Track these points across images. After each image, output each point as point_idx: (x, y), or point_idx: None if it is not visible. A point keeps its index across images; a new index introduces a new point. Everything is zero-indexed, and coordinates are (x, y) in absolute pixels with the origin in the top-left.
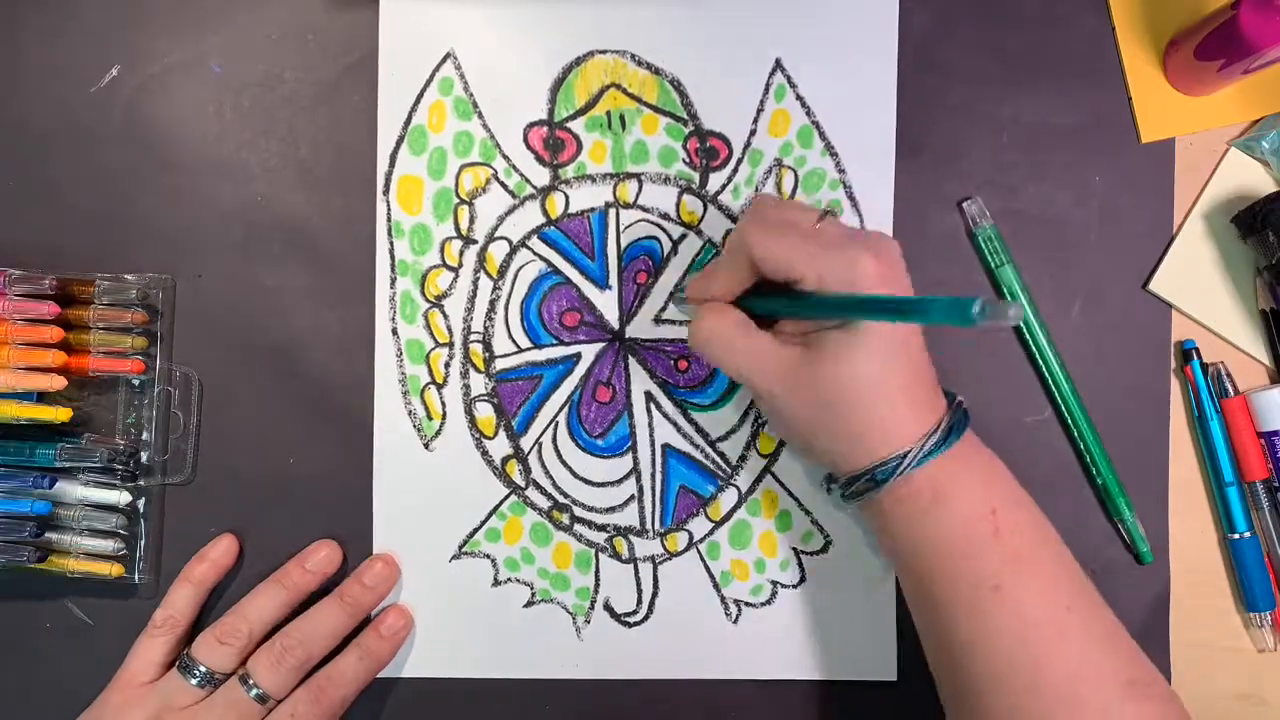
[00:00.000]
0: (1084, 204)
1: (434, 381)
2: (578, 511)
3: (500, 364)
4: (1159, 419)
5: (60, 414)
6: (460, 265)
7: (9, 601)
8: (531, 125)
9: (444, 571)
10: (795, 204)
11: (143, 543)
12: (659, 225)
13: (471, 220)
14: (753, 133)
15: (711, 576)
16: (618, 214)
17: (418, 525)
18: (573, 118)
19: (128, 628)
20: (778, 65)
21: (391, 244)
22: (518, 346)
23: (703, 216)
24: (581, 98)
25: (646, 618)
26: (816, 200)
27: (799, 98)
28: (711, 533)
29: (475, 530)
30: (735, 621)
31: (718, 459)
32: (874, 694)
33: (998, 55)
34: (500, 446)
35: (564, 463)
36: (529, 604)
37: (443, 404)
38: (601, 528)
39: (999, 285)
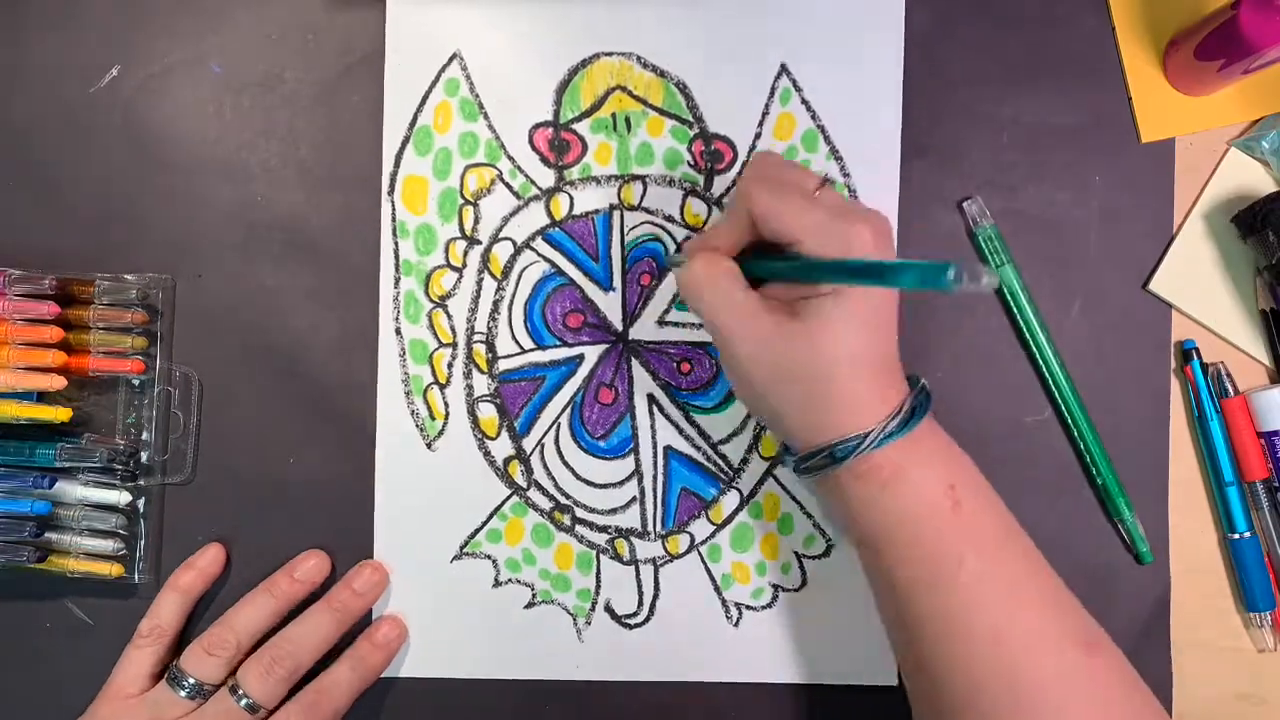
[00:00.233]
0: (1084, 204)
1: (437, 382)
2: (579, 513)
3: (503, 365)
4: (1159, 419)
5: (60, 414)
6: (464, 266)
7: (9, 601)
8: (537, 126)
9: (445, 572)
10: (797, 166)
11: (142, 543)
12: (663, 227)
13: (476, 221)
14: (758, 136)
15: (712, 579)
16: (622, 216)
17: (419, 525)
18: (578, 119)
19: (128, 628)
20: (783, 69)
21: (396, 244)
22: (521, 347)
23: (707, 219)
24: (587, 99)
25: (647, 619)
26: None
27: (804, 101)
28: (713, 535)
29: (476, 531)
30: (736, 624)
31: (720, 461)
32: (874, 698)
33: (998, 55)
34: (502, 447)
35: (566, 464)
36: (530, 605)
37: (445, 404)
38: (603, 529)
39: (999, 285)
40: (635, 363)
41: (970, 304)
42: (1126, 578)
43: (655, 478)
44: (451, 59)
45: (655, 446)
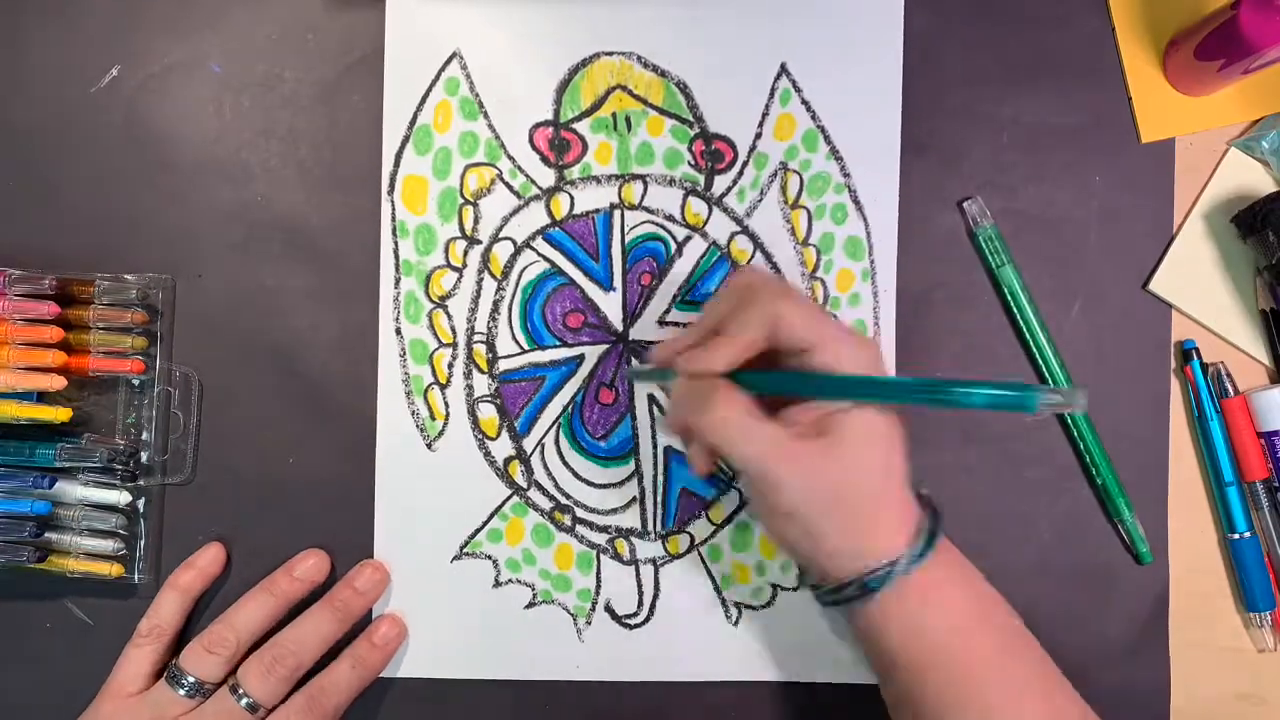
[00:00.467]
0: (1084, 204)
1: (437, 382)
2: (579, 513)
3: (503, 365)
4: (1159, 419)
5: (60, 414)
6: (464, 266)
7: (9, 601)
8: (537, 126)
9: (445, 572)
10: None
11: (142, 543)
12: (664, 227)
13: (476, 220)
14: (758, 136)
15: (712, 579)
16: (622, 215)
17: (419, 525)
18: (578, 119)
19: (128, 628)
20: (783, 69)
21: (396, 244)
22: (521, 347)
23: (707, 219)
24: (587, 99)
25: (647, 619)
26: (821, 205)
27: (804, 102)
28: (713, 535)
29: (477, 531)
30: (736, 624)
31: (719, 462)
32: (873, 696)
33: (998, 55)
34: (503, 447)
35: (566, 464)
36: (530, 605)
37: (446, 404)
38: (603, 529)
39: (999, 285)
40: (636, 363)
41: (970, 303)
42: (1126, 577)
43: (655, 478)
44: (451, 58)
45: (655, 447)
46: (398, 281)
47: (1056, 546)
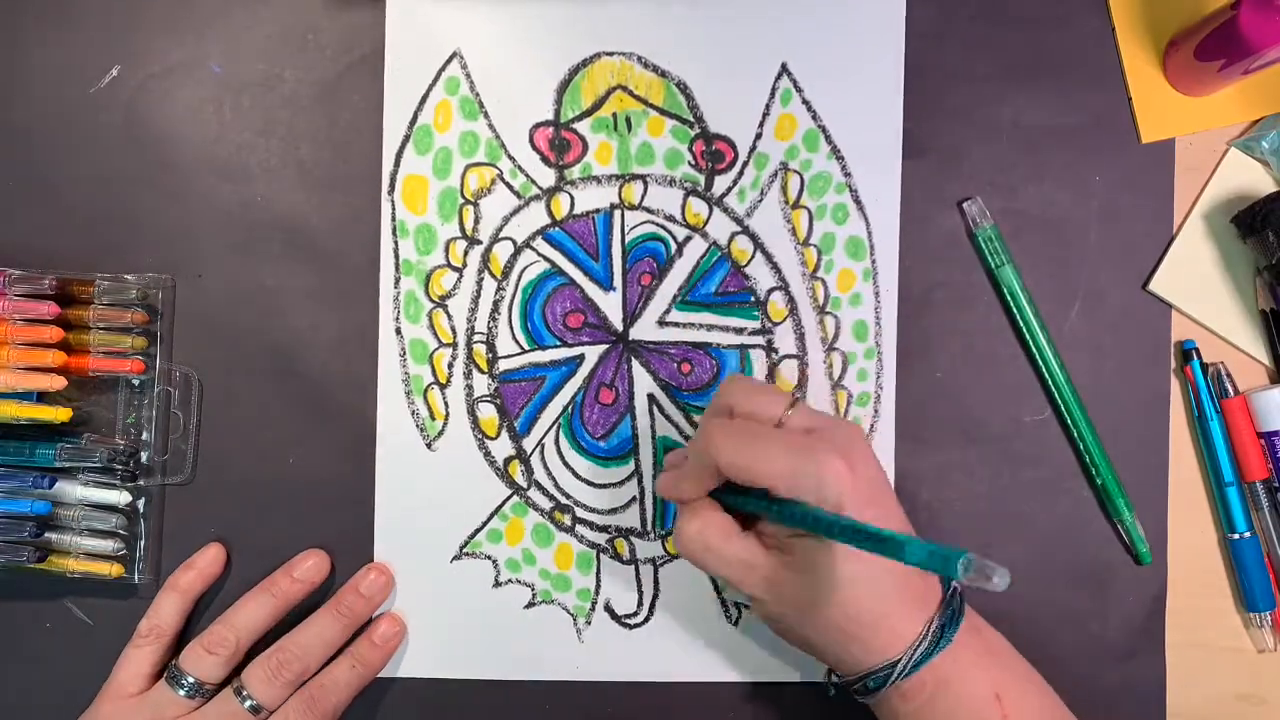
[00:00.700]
0: (1084, 204)
1: (437, 382)
2: (579, 513)
3: (503, 365)
4: (1159, 419)
5: (60, 414)
6: (464, 265)
7: (9, 601)
8: (537, 126)
9: (445, 572)
10: (763, 391)
11: (142, 543)
12: (664, 227)
13: (476, 220)
14: (759, 136)
15: (711, 579)
16: (623, 215)
17: (419, 525)
18: (579, 119)
19: (128, 628)
20: (784, 69)
21: (396, 244)
22: (521, 347)
23: (708, 219)
24: (588, 99)
25: (647, 619)
26: (822, 205)
27: (805, 101)
28: None
29: (477, 531)
30: (735, 624)
31: None
32: None
33: (998, 55)
34: (502, 447)
35: (566, 464)
36: (530, 605)
37: (445, 404)
38: (603, 529)
39: (999, 285)
40: (636, 363)
41: (970, 303)
42: (1124, 578)
43: (655, 477)
44: (452, 58)
45: (655, 447)
46: (397, 281)
47: (1055, 546)
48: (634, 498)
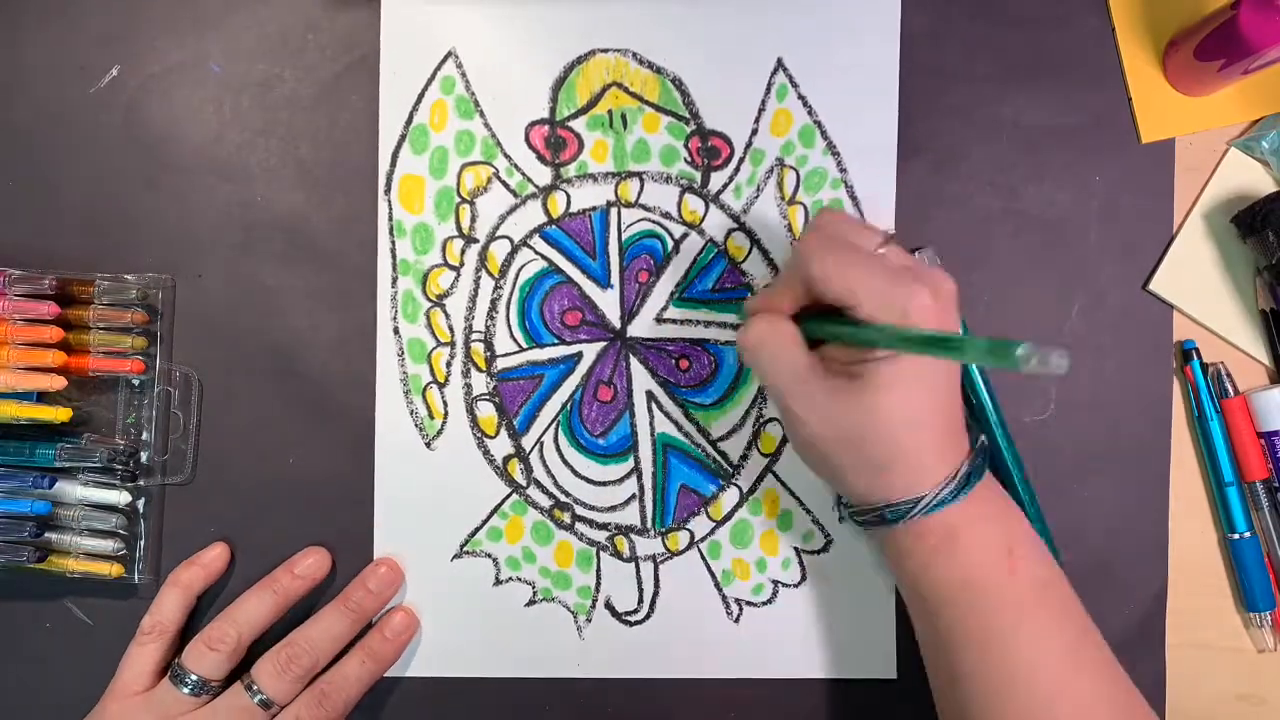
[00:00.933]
0: (1084, 204)
1: (435, 381)
2: (579, 510)
3: (501, 363)
4: (1159, 419)
5: (60, 414)
6: (462, 264)
7: (9, 601)
8: (533, 124)
9: (445, 571)
10: (859, 224)
11: (142, 543)
12: (660, 224)
13: (473, 219)
14: (754, 132)
15: (713, 575)
16: (619, 213)
17: (419, 524)
18: (574, 116)
19: (128, 628)
20: (779, 64)
21: (393, 243)
22: (519, 346)
23: (704, 216)
24: (583, 96)
25: (648, 617)
26: (818, 201)
27: (800, 97)
28: (713, 532)
29: (476, 529)
30: (736, 620)
31: (719, 458)
32: (874, 692)
33: (998, 55)
34: (501, 446)
35: (565, 462)
36: (530, 603)
37: (444, 403)
38: (603, 526)
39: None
40: (634, 360)
41: (969, 303)
42: (1125, 577)
43: (654, 475)
44: (447, 57)
45: (654, 443)
46: (395, 281)
47: (1054, 546)
48: (633, 495)
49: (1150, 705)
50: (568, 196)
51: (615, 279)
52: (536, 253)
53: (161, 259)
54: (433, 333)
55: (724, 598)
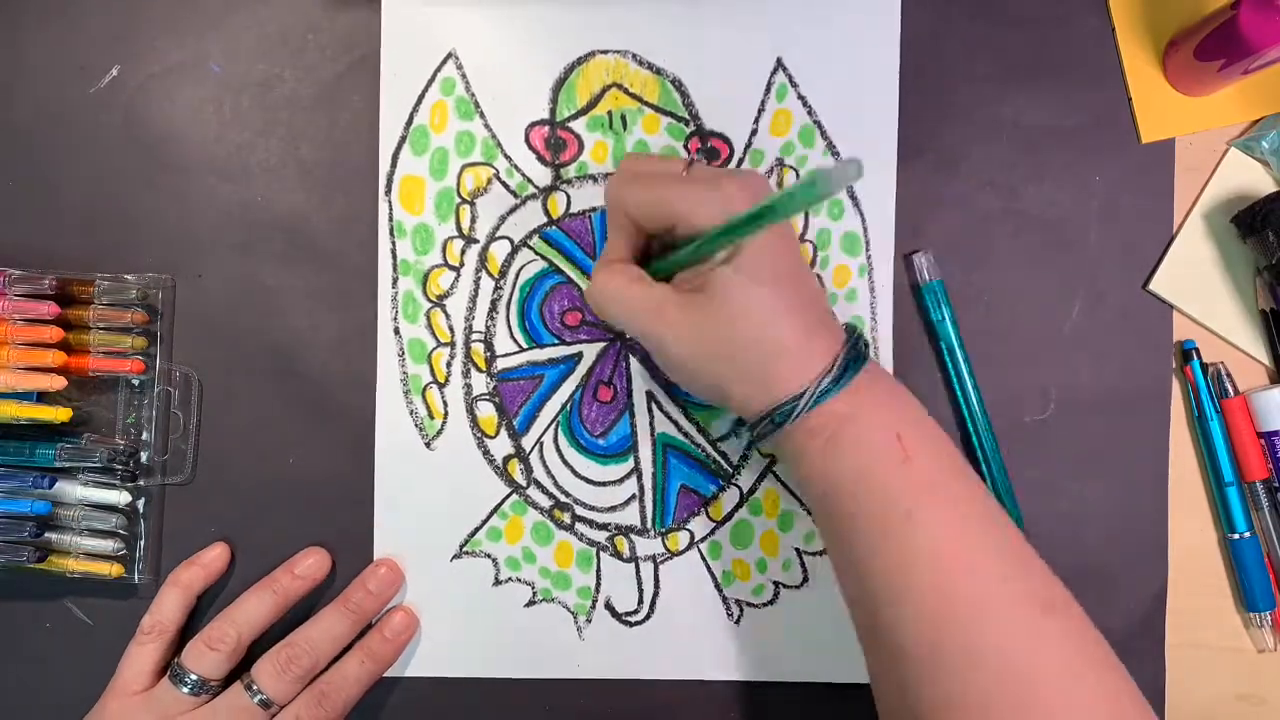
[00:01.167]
0: (1084, 204)
1: (435, 381)
2: (579, 510)
3: (501, 363)
4: (1159, 419)
5: (60, 414)
6: (462, 265)
7: (9, 601)
8: (533, 125)
9: (445, 571)
10: (660, 157)
11: (142, 543)
12: None
13: (473, 220)
14: (754, 132)
15: (713, 576)
16: None
17: (419, 524)
18: (574, 117)
19: (128, 628)
20: (779, 65)
21: (393, 244)
22: (519, 346)
23: None
24: (583, 97)
25: (648, 617)
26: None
27: (800, 97)
28: (713, 532)
29: (476, 529)
30: (737, 621)
31: (719, 459)
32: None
33: (998, 55)
34: (501, 446)
35: (565, 462)
36: (530, 603)
37: (444, 403)
38: (603, 527)
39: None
40: (634, 360)
41: (969, 303)
42: (1124, 577)
43: (654, 475)
44: (447, 58)
45: (654, 444)
46: (395, 281)
47: (1055, 546)
48: (633, 495)
49: (1150, 705)
50: (568, 197)
51: None
52: (537, 253)
53: (161, 259)
54: (433, 333)
55: (724, 598)
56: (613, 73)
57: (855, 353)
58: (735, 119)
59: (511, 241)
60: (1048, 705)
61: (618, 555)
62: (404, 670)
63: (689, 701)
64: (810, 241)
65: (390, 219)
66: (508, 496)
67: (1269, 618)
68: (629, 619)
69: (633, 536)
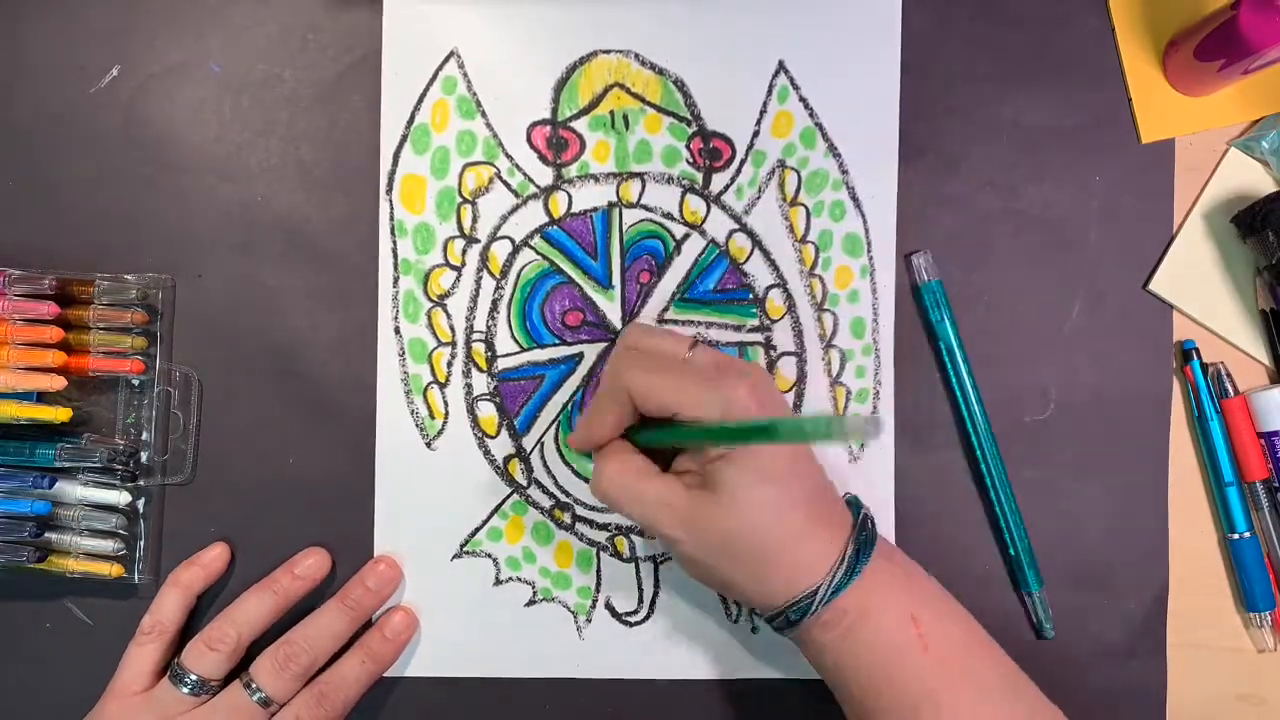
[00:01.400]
0: (1084, 204)
1: (436, 381)
2: (579, 511)
3: (502, 363)
4: (1159, 419)
5: (60, 414)
6: (463, 264)
7: (9, 601)
8: (535, 124)
9: (445, 570)
10: (665, 333)
11: (142, 543)
12: (662, 225)
13: (474, 219)
14: (756, 134)
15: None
16: (620, 213)
17: (419, 524)
18: (576, 117)
19: (128, 628)
20: (781, 67)
21: (394, 243)
22: (520, 346)
23: (706, 216)
24: (585, 97)
25: (647, 617)
26: (819, 202)
27: (802, 99)
28: None
29: (477, 529)
30: (736, 621)
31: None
32: None
33: (998, 55)
34: (502, 446)
35: (566, 462)
36: (530, 603)
37: (445, 403)
38: (603, 527)
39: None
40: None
41: (969, 303)
42: (1125, 577)
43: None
44: (449, 57)
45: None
46: (396, 280)
47: (1055, 546)
48: None
49: (1151, 705)
50: (569, 197)
51: (616, 280)
52: (538, 253)
53: (161, 259)
54: (434, 333)
55: (724, 599)
56: (615, 72)
57: (864, 536)
58: (737, 120)
59: (513, 241)
60: None
61: (618, 555)
62: (404, 670)
63: (687, 701)
64: (812, 242)
65: (391, 218)
66: (508, 496)
67: (1269, 618)
68: (629, 619)
69: (633, 536)
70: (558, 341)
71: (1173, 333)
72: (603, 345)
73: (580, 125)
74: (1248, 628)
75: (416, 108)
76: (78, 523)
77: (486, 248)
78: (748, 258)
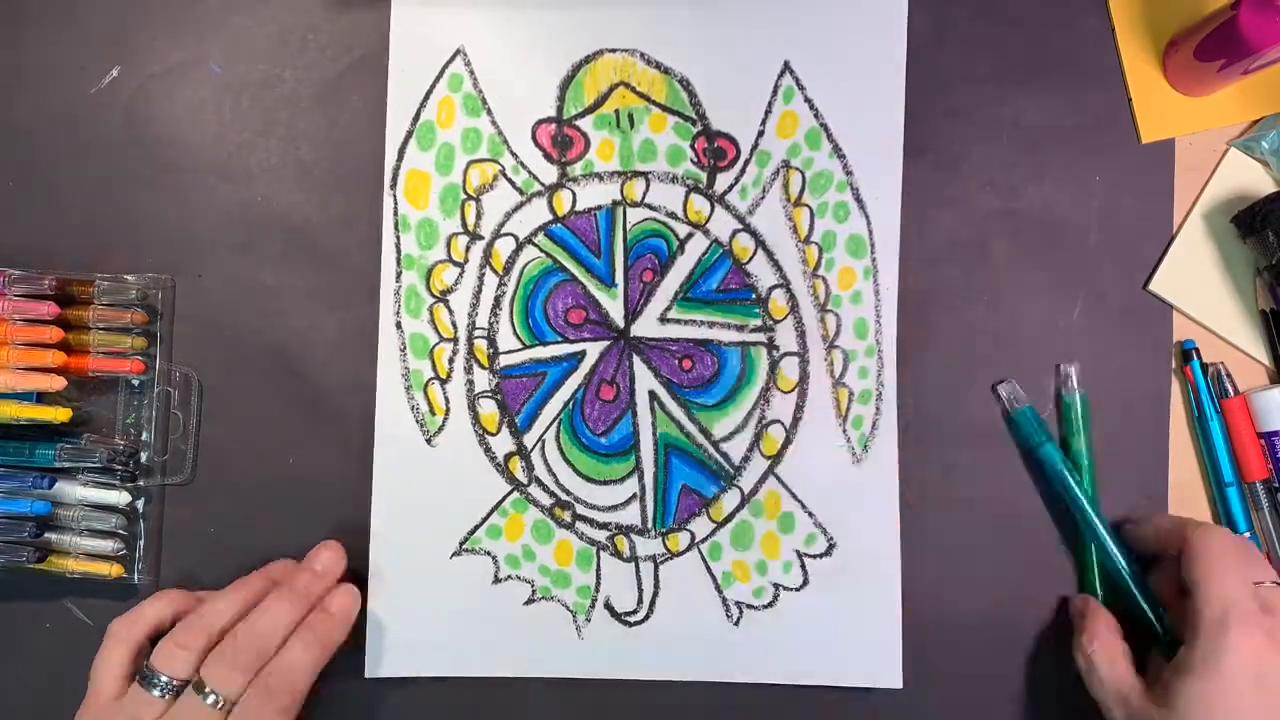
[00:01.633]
0: (1084, 204)
1: (437, 377)
2: (579, 509)
3: (504, 360)
4: (1159, 419)
5: (60, 414)
6: (466, 261)
7: (9, 601)
8: (540, 122)
9: (444, 568)
10: (1259, 554)
11: (142, 543)
12: (666, 224)
13: (478, 216)
14: (761, 134)
15: (713, 577)
16: (624, 212)
17: (418, 521)
18: (581, 115)
19: None
20: (786, 67)
21: (398, 238)
22: (522, 343)
23: (709, 216)
24: (590, 96)
25: (647, 617)
26: (824, 203)
27: (807, 100)
28: (713, 533)
29: (476, 527)
30: (736, 623)
31: (721, 459)
32: (878, 701)
33: (998, 55)
34: (503, 443)
35: (566, 460)
36: (529, 602)
37: (446, 399)
38: (603, 526)
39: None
40: (637, 359)
41: (969, 302)
42: None
43: (656, 475)
44: (455, 55)
45: (656, 444)
46: (399, 276)
47: (1056, 546)
48: (634, 495)
49: None
50: (573, 195)
51: (620, 278)
52: (541, 250)
53: (161, 259)
54: (435, 328)
55: (724, 600)
56: (620, 71)
57: None
58: (742, 120)
59: (516, 238)
60: None
61: (618, 555)
62: (402, 669)
63: (688, 702)
64: (816, 243)
65: (395, 213)
66: (508, 494)
67: None
68: (628, 619)
69: (633, 536)
70: (560, 339)
71: (1173, 333)
72: (605, 343)
73: (585, 124)
74: None
75: (422, 104)
76: (77, 523)
77: (490, 244)
78: (751, 258)
